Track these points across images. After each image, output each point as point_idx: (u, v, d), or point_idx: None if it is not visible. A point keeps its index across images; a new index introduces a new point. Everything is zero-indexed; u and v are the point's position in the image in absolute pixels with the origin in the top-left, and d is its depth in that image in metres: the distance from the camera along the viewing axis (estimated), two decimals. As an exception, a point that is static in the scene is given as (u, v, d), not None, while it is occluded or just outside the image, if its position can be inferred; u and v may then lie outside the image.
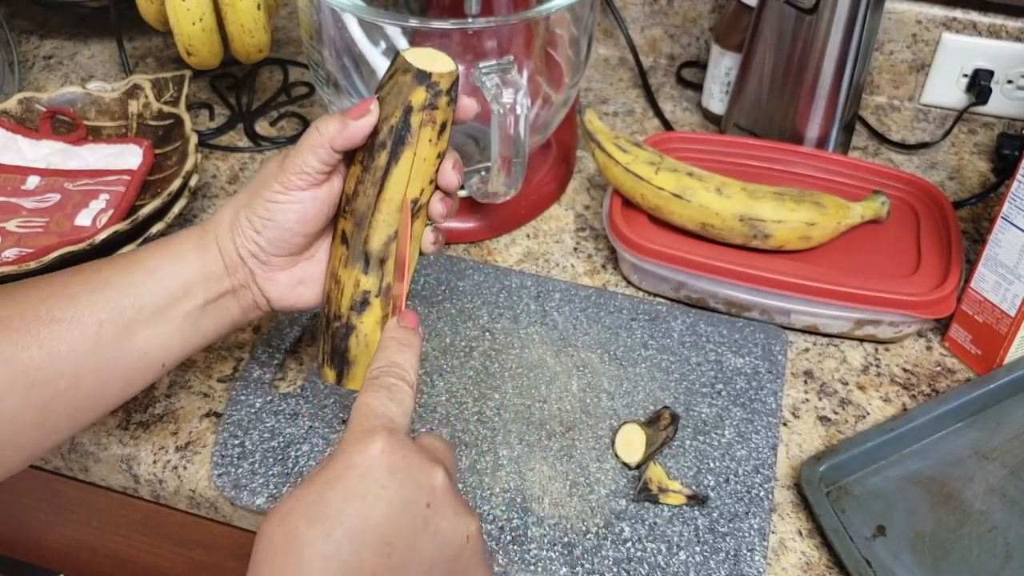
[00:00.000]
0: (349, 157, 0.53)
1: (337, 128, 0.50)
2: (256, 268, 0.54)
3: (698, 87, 0.95)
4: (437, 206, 0.54)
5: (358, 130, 0.50)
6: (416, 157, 0.51)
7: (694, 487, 0.59)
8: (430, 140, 0.51)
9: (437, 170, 0.53)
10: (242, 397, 0.64)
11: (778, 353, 0.68)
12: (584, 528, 0.56)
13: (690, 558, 0.55)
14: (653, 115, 0.94)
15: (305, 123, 0.91)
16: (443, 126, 0.51)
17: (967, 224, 0.81)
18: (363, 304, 0.53)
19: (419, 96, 0.50)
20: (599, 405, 0.64)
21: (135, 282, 0.51)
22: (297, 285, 0.55)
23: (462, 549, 0.42)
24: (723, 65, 0.88)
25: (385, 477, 0.40)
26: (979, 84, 0.89)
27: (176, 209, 0.74)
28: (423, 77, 0.50)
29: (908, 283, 0.68)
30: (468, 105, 0.53)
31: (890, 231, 0.74)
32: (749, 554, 0.55)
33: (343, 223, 0.53)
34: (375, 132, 0.51)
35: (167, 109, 0.83)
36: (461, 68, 0.77)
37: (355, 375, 0.54)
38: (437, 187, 0.53)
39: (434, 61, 0.50)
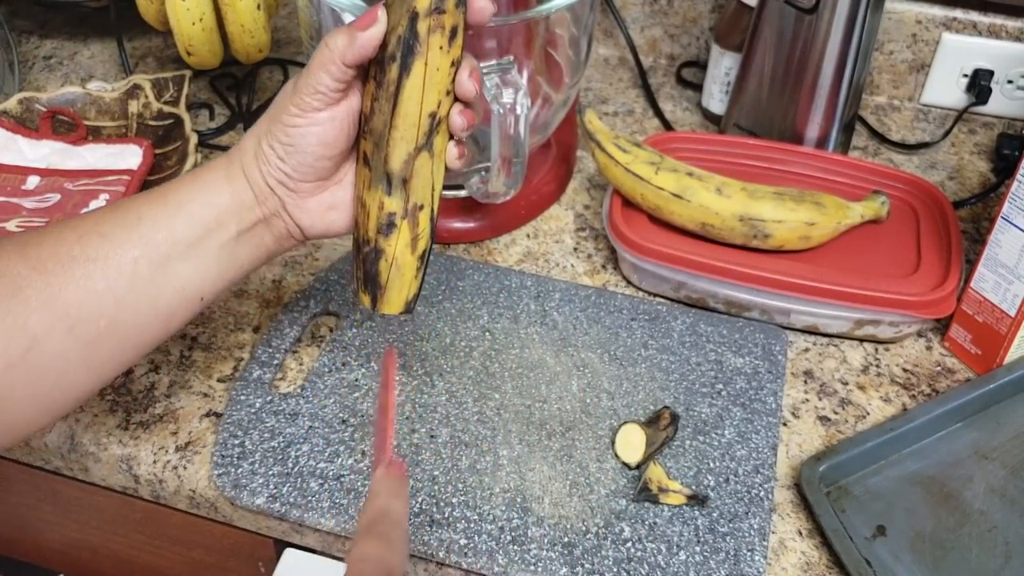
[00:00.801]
0: (365, 73, 0.51)
1: (346, 42, 0.48)
2: (285, 196, 0.53)
3: (698, 87, 0.95)
4: (456, 119, 0.51)
5: (367, 41, 0.48)
6: (428, 67, 0.48)
7: (694, 487, 0.59)
8: (441, 47, 0.48)
9: (453, 80, 0.50)
10: (242, 397, 0.64)
11: (778, 353, 0.68)
12: (584, 528, 0.56)
13: (690, 558, 0.55)
14: (653, 115, 0.94)
15: (305, 123, 0.91)
16: (454, 31, 0.48)
17: (967, 224, 0.81)
18: (389, 227, 0.51)
19: (423, 0, 0.47)
20: (599, 405, 0.64)
21: (167, 215, 0.51)
22: (328, 211, 0.54)
23: None
24: (723, 65, 0.88)
25: None
26: (979, 84, 0.89)
27: (176, 209, 0.74)
28: None
29: (908, 283, 0.68)
30: (482, 7, 0.50)
31: (890, 231, 0.74)
32: (749, 554, 0.55)
33: (364, 144, 0.51)
34: (384, 44, 0.48)
35: (167, 109, 0.83)
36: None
37: (390, 300, 0.53)
38: (456, 99, 0.51)
39: None
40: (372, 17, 0.48)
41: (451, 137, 0.53)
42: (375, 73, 0.49)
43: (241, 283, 0.70)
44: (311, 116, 0.50)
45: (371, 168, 0.51)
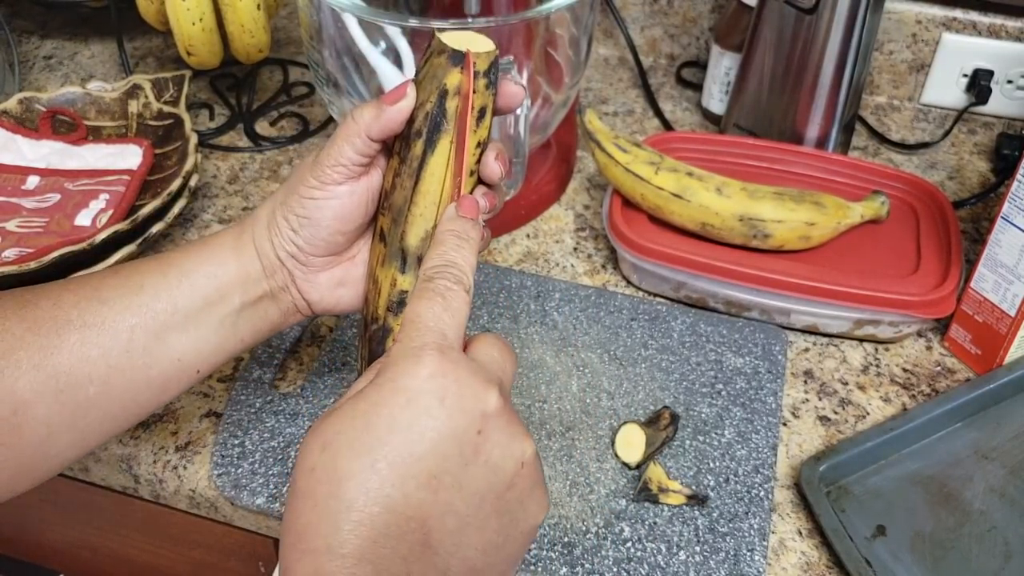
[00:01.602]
0: (389, 149, 0.50)
1: (372, 115, 0.47)
2: (295, 269, 0.51)
3: (698, 87, 0.95)
4: (480, 200, 0.49)
5: (395, 115, 0.46)
6: (454, 145, 0.47)
7: (694, 487, 0.59)
8: (468, 127, 0.47)
9: (478, 161, 0.49)
10: (242, 397, 0.64)
11: (778, 353, 0.68)
12: (584, 528, 0.56)
13: (690, 558, 0.55)
14: (653, 115, 0.94)
15: (305, 123, 0.91)
16: (482, 112, 0.48)
17: (967, 224, 0.81)
18: (400, 305, 0.49)
19: (454, 79, 0.46)
20: (599, 405, 0.64)
21: (168, 285, 0.49)
22: (337, 287, 0.52)
23: (515, 477, 0.39)
24: (723, 65, 0.88)
25: (433, 405, 0.38)
26: (979, 84, 0.89)
27: (176, 209, 0.74)
28: (458, 58, 0.46)
29: (908, 283, 0.68)
30: (513, 92, 0.49)
31: (890, 231, 0.74)
32: (749, 554, 0.55)
33: (382, 219, 0.50)
34: (411, 120, 0.47)
35: (167, 109, 0.83)
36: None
37: None
38: (480, 180, 0.50)
39: (472, 42, 0.47)
40: (401, 92, 0.47)
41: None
42: (399, 148, 0.48)
43: (242, 355, 0.68)
44: (330, 189, 0.49)
45: (387, 244, 0.49)
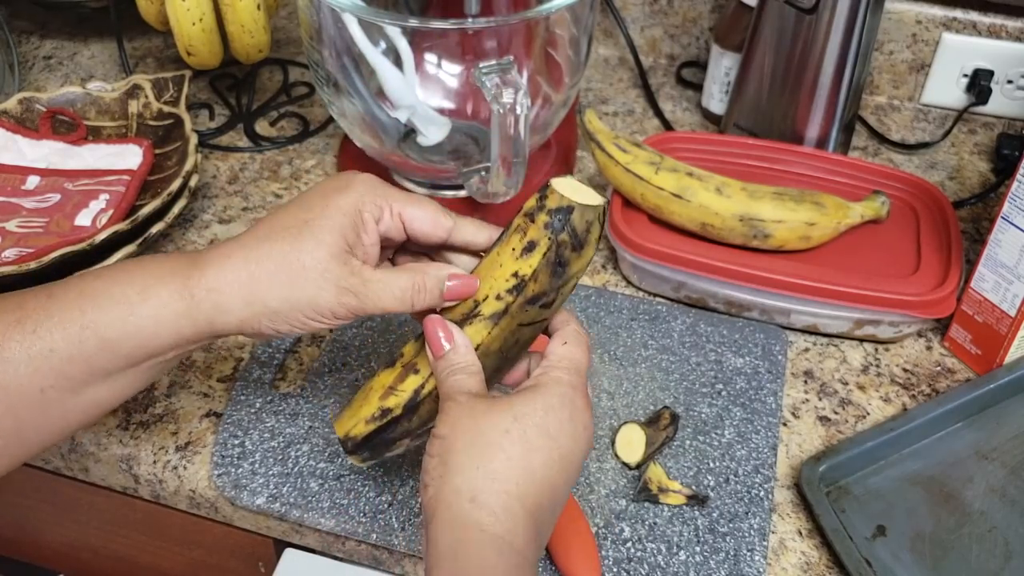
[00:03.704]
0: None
1: (430, 301, 0.47)
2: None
3: (698, 87, 0.95)
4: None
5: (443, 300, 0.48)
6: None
7: (694, 487, 0.59)
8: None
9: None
10: (242, 397, 0.64)
11: (778, 353, 0.68)
12: (584, 528, 0.56)
13: (690, 558, 0.55)
14: (653, 115, 0.94)
15: (305, 123, 0.91)
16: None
17: (967, 224, 0.81)
18: (401, 368, 0.49)
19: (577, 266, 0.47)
20: (599, 405, 0.64)
21: (86, 353, 0.45)
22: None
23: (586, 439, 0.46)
24: (723, 65, 0.88)
25: (577, 423, 0.45)
26: (979, 84, 0.89)
27: (176, 209, 0.74)
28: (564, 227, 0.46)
29: (908, 283, 0.68)
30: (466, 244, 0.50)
31: (890, 231, 0.74)
32: (749, 554, 0.55)
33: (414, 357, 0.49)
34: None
35: (167, 109, 0.83)
36: (460, 68, 0.77)
37: (341, 416, 0.50)
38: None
39: (581, 193, 0.47)
40: (471, 287, 0.48)
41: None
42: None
43: (203, 350, 0.68)
44: (329, 322, 0.47)
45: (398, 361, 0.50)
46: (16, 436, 0.45)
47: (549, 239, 0.46)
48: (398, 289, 0.47)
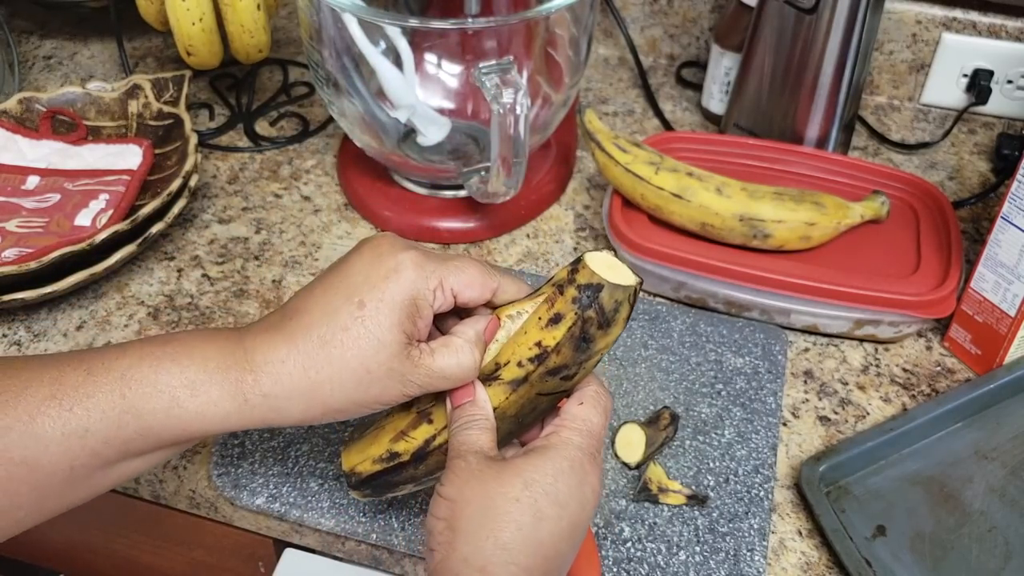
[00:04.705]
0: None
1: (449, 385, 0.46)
2: None
3: (698, 87, 0.95)
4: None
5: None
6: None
7: (694, 487, 0.59)
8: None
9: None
10: (242, 397, 0.64)
11: (778, 353, 0.68)
12: (584, 528, 0.56)
13: (690, 558, 0.55)
14: (653, 115, 0.94)
15: (305, 123, 0.91)
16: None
17: (967, 224, 0.81)
18: (415, 415, 0.49)
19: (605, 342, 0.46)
20: (599, 405, 0.64)
21: (122, 437, 0.43)
22: None
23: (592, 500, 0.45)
24: (723, 65, 0.88)
25: (587, 491, 0.45)
26: (979, 84, 0.89)
27: (176, 209, 0.74)
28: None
29: (908, 283, 0.68)
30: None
31: (890, 231, 0.74)
32: (749, 554, 0.55)
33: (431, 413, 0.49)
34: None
35: (167, 109, 0.83)
36: (460, 68, 0.77)
37: (349, 450, 0.50)
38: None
39: (616, 271, 0.46)
40: (468, 393, 0.47)
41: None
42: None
43: None
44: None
45: (415, 410, 0.49)
46: (37, 508, 0.44)
47: (575, 314, 0.45)
48: (455, 364, 0.46)
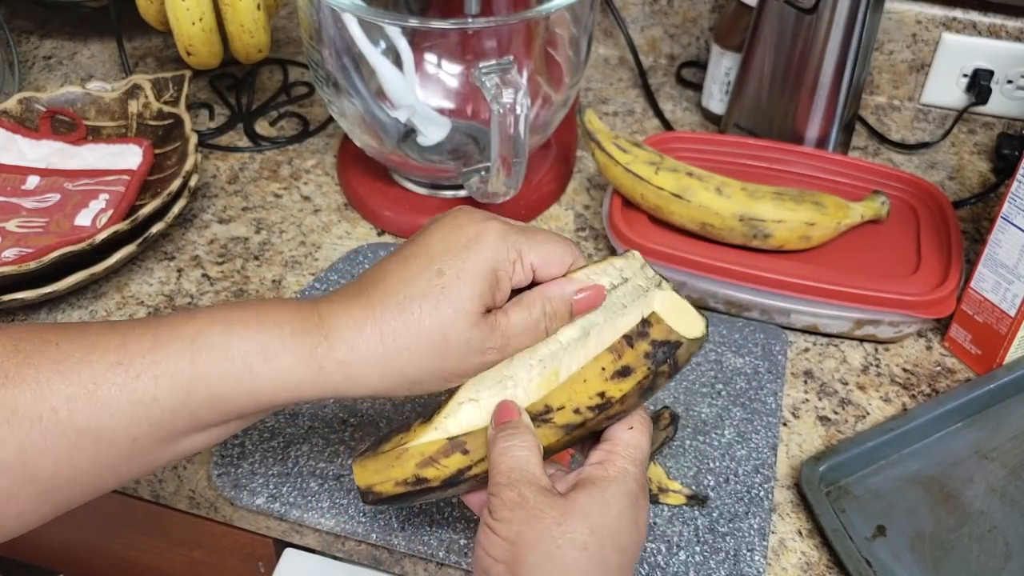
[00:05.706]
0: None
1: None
2: None
3: (698, 87, 0.95)
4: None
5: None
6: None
7: (694, 487, 0.59)
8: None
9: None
10: (242, 397, 0.64)
11: (778, 353, 0.68)
12: (584, 528, 0.56)
13: (690, 558, 0.55)
14: (653, 115, 0.94)
15: (305, 123, 0.91)
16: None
17: (967, 224, 0.81)
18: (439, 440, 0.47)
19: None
20: (599, 405, 0.64)
21: (191, 407, 0.41)
22: None
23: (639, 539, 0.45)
24: (723, 65, 0.88)
25: (638, 520, 0.44)
26: (979, 84, 0.89)
27: (176, 209, 0.74)
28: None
29: (908, 283, 0.68)
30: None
31: (890, 231, 0.74)
32: (749, 554, 0.55)
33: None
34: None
35: (167, 109, 0.83)
36: (460, 68, 0.77)
37: (365, 467, 0.48)
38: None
39: (686, 318, 0.43)
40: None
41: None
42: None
43: None
44: None
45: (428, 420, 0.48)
46: (94, 482, 0.42)
47: (648, 369, 0.43)
48: (532, 327, 0.45)
